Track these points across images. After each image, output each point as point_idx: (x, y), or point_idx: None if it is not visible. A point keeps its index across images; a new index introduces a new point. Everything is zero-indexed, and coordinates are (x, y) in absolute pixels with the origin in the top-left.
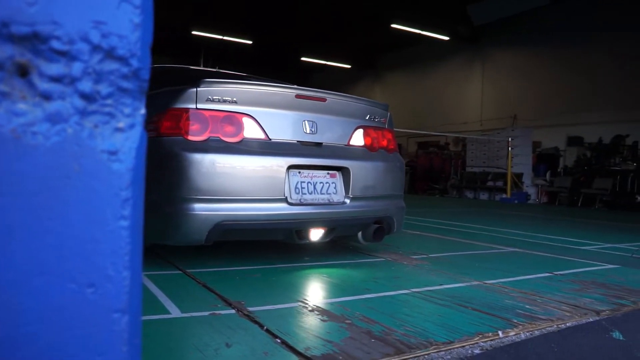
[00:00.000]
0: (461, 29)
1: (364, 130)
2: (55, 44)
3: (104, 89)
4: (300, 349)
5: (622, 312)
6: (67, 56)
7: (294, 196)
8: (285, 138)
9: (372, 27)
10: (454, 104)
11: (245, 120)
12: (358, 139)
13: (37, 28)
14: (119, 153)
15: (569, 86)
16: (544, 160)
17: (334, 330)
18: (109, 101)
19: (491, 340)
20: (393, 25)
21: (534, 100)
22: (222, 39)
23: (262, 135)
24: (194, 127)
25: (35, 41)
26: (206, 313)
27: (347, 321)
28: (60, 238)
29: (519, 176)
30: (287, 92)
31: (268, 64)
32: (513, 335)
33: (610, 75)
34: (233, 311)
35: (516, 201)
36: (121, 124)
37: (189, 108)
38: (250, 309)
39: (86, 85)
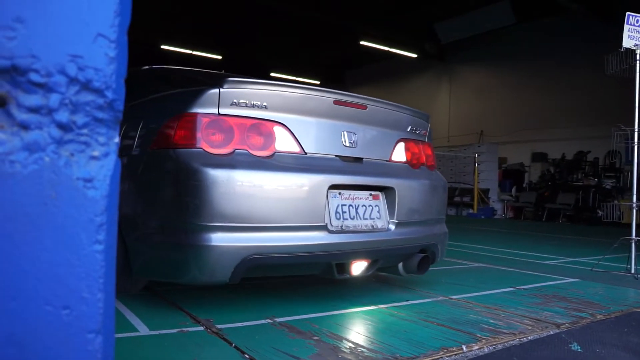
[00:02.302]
0: (428, 46)
1: (405, 144)
2: (34, 77)
3: (80, 119)
4: None
5: (581, 325)
6: (45, 88)
7: (335, 222)
8: (322, 152)
9: (341, 43)
10: None
11: (277, 130)
12: (400, 154)
13: (16, 61)
14: (94, 180)
15: (533, 103)
16: (510, 176)
17: (301, 346)
18: (84, 131)
19: (455, 354)
20: (362, 42)
21: (499, 116)
22: (191, 54)
23: (296, 149)
24: (216, 137)
25: (14, 74)
26: (174, 330)
27: (315, 337)
28: (35, 262)
29: (485, 191)
30: (324, 97)
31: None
32: (477, 349)
33: (572, 93)
34: (202, 328)
35: (483, 216)
36: (96, 153)
37: (209, 113)
38: (219, 326)
39: (63, 116)
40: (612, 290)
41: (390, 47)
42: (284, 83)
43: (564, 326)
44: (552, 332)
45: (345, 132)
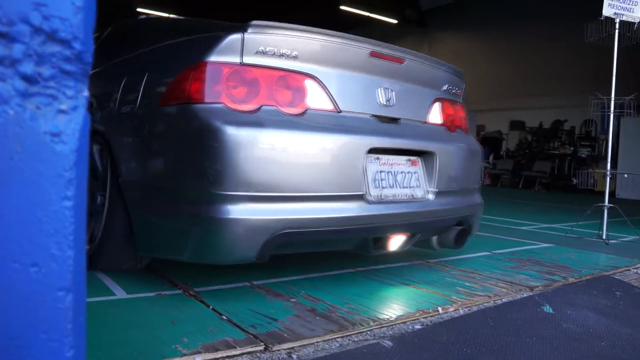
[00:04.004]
0: (409, 12)
1: (441, 104)
2: None
3: (45, 71)
4: (245, 326)
5: (553, 288)
6: (7, 38)
7: (373, 191)
8: (358, 111)
9: (320, 8)
10: None
11: (309, 84)
12: (436, 115)
13: None
14: (62, 135)
15: (511, 71)
16: (488, 143)
17: (279, 308)
18: (51, 83)
19: (431, 316)
20: (342, 7)
21: (478, 84)
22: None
23: (330, 106)
24: (239, 90)
25: None
26: (152, 294)
27: (293, 300)
28: (3, 219)
29: None
30: (360, 47)
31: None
32: (452, 311)
33: (550, 62)
34: (179, 292)
35: None
36: (64, 106)
37: (231, 62)
38: (197, 289)
39: (27, 67)
40: (584, 255)
41: (371, 12)
42: (317, 29)
43: (537, 289)
44: (525, 295)
45: (381, 89)
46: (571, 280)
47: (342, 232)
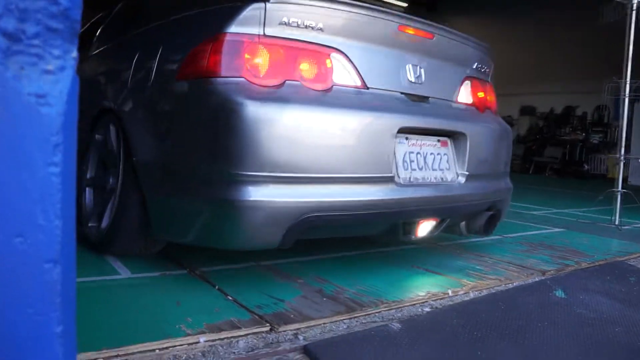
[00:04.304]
0: None
1: (471, 82)
2: None
3: (30, 28)
4: (251, 307)
5: (566, 272)
6: None
7: (403, 173)
8: (387, 88)
9: None
10: None
11: (335, 59)
12: (466, 94)
13: None
14: (48, 96)
15: (523, 57)
16: None
17: (286, 289)
18: (35, 42)
19: (441, 299)
20: None
21: None
22: None
23: (357, 82)
24: (262, 64)
25: None
26: (157, 274)
27: (300, 280)
28: None
29: None
30: (389, 20)
31: None
32: (462, 294)
33: (562, 47)
34: (185, 271)
35: None
36: (50, 67)
37: (253, 34)
38: (203, 269)
39: (9, 23)
40: (597, 240)
41: None
42: (343, 0)
43: (549, 273)
44: (537, 279)
45: (410, 66)
46: (584, 265)
47: (371, 216)
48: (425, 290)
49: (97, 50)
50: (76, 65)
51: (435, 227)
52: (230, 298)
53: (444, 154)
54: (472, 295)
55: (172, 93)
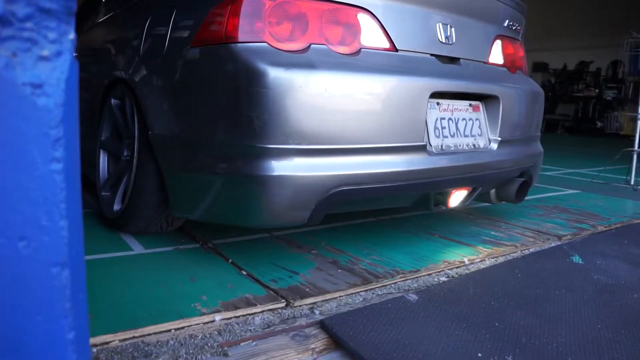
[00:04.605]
0: None
1: (502, 42)
2: None
3: (20, 9)
4: (266, 281)
5: (582, 237)
6: None
7: (434, 141)
8: (417, 49)
9: None
10: None
11: (362, 19)
12: (497, 54)
13: None
14: (45, 86)
15: (534, 12)
16: None
17: (300, 261)
18: (28, 25)
19: (457, 267)
20: None
21: None
22: None
23: (386, 44)
24: (284, 26)
25: None
26: (170, 248)
27: (314, 251)
28: None
29: None
30: None
31: None
32: (478, 261)
33: (574, 2)
34: (197, 245)
35: None
36: (46, 52)
37: None
38: (215, 241)
39: None
40: (613, 202)
41: None
42: None
43: (565, 238)
44: (553, 244)
45: (440, 24)
46: (600, 228)
47: (402, 188)
48: (441, 259)
49: (106, 17)
50: (74, 49)
51: (467, 197)
52: (244, 273)
53: (476, 119)
54: (488, 262)
55: (189, 60)
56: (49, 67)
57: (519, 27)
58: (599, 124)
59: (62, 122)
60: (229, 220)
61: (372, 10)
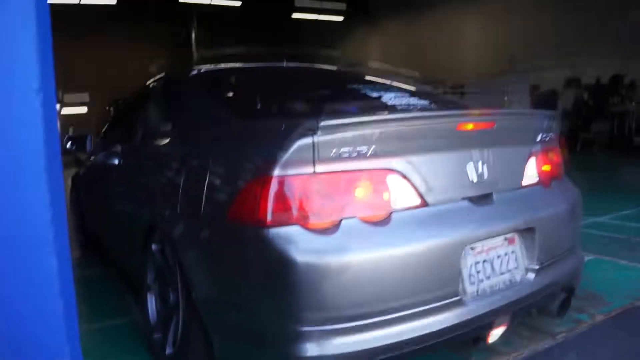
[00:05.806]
0: None
1: (536, 158)
2: None
3: None
4: None
5: (578, 332)
6: None
7: (469, 289)
8: (449, 198)
9: (275, 19)
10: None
11: (392, 181)
12: (531, 172)
13: None
14: None
15: (565, 27)
16: (541, 105)
17: None
18: None
19: None
20: (294, 16)
21: (530, 41)
22: (209, 4)
23: (417, 201)
24: (315, 206)
25: None
26: None
27: None
28: None
29: None
30: (445, 123)
31: (258, 28)
32: None
33: (605, 14)
34: None
35: None
36: None
37: (304, 174)
38: None
39: None
40: (625, 272)
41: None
42: (395, 115)
43: (560, 335)
44: (547, 345)
45: (471, 164)
46: (598, 318)
47: (440, 343)
48: None
49: (143, 138)
50: None
51: (506, 329)
52: None
53: (512, 252)
54: None
55: (225, 233)
56: None
57: (553, 135)
58: (637, 140)
59: None
60: None
61: (400, 170)
